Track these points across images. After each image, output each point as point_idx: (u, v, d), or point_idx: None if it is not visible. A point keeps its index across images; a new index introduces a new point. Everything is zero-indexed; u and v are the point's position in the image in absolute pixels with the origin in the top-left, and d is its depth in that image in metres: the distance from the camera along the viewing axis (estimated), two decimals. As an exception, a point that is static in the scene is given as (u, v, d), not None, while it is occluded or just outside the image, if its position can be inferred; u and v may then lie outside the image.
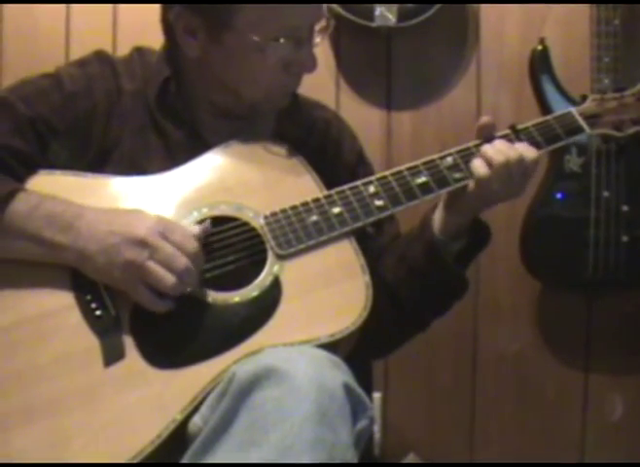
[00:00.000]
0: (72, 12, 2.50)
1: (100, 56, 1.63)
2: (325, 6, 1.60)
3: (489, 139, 1.56)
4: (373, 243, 1.62)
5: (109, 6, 2.50)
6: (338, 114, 1.84)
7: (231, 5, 1.48)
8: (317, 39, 1.57)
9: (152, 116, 1.59)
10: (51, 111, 1.53)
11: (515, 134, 1.58)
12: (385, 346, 1.73)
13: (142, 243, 1.39)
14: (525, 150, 1.54)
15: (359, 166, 1.73)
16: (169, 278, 1.38)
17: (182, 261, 1.38)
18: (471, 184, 1.54)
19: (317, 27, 1.56)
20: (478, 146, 1.56)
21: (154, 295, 1.39)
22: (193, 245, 1.41)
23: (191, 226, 1.47)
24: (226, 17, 1.50)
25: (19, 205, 1.43)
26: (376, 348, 1.66)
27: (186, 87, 1.62)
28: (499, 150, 1.53)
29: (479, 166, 1.52)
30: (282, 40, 1.51)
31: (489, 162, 1.52)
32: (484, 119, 1.59)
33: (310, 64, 1.57)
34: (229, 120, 1.63)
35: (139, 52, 1.66)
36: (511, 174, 1.52)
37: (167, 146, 1.58)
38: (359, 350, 1.46)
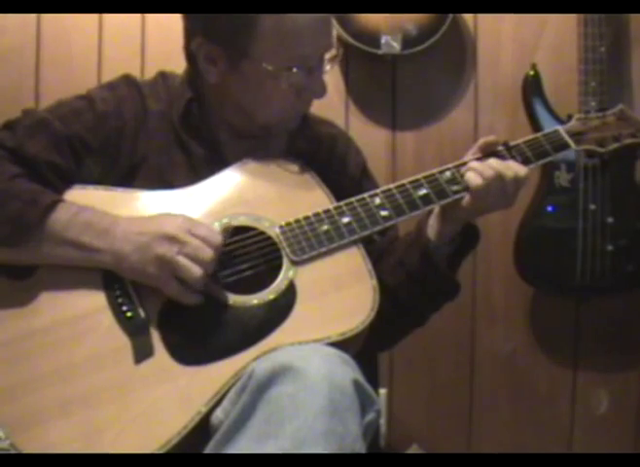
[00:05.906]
0: (104, 41, 2.50)
1: (128, 80, 1.64)
2: (334, 36, 1.60)
3: (487, 155, 1.57)
4: (374, 244, 1.62)
5: (137, 35, 2.50)
6: (344, 130, 1.84)
7: (249, 34, 1.49)
8: (327, 67, 1.57)
9: (176, 134, 1.60)
10: (85, 129, 1.54)
11: (508, 151, 1.58)
12: (388, 341, 1.73)
13: (171, 239, 1.40)
14: (517, 167, 1.54)
15: (363, 180, 1.73)
16: (197, 270, 1.39)
17: (208, 252, 1.40)
18: (467, 196, 1.54)
19: (327, 56, 1.57)
20: (475, 160, 1.56)
21: (184, 288, 1.41)
22: (217, 238, 1.43)
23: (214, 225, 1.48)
24: (243, 46, 1.50)
25: (60, 214, 1.44)
26: (380, 343, 1.66)
27: (206, 108, 1.62)
28: (490, 164, 1.54)
29: (473, 178, 1.53)
30: (294, 69, 1.51)
31: (482, 175, 1.53)
32: (492, 137, 1.59)
33: (320, 91, 1.57)
34: (245, 139, 1.64)
35: (163, 75, 1.67)
36: (504, 188, 1.53)
37: (191, 162, 1.59)
38: (365, 345, 1.46)
